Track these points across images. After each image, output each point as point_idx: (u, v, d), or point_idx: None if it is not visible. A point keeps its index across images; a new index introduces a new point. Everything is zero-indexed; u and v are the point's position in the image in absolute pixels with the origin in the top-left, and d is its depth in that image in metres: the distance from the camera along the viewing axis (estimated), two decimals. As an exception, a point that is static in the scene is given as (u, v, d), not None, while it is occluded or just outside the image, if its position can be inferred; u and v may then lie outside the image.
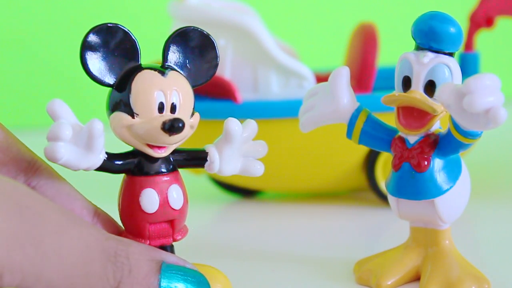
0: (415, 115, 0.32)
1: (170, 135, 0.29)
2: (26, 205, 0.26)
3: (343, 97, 0.34)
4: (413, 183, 0.33)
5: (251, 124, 0.33)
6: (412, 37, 0.32)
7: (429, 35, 0.31)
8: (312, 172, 0.49)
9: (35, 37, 0.86)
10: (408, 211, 0.33)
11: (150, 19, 0.82)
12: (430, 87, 0.32)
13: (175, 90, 0.30)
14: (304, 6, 0.89)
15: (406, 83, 0.32)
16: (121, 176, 0.32)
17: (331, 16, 0.88)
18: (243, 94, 0.47)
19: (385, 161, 0.47)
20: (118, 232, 0.32)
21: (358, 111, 0.34)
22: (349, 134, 0.34)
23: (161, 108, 0.30)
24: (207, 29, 0.51)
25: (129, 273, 0.28)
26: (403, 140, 0.33)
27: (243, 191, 0.53)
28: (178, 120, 0.29)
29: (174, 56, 0.32)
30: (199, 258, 0.40)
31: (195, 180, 0.34)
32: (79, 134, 0.29)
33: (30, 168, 0.31)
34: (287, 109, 0.46)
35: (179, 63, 0.32)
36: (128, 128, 0.30)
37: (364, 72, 0.48)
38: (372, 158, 0.48)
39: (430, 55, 0.31)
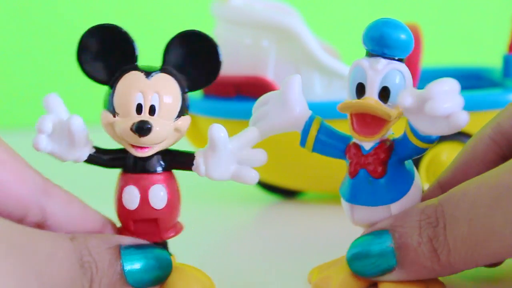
0: (368, 122, 0.32)
1: (139, 136, 0.30)
2: (19, 242, 0.26)
3: (296, 106, 0.34)
4: (369, 189, 0.32)
5: (250, 131, 0.33)
6: (363, 43, 0.32)
7: (382, 42, 0.31)
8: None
9: (35, 36, 0.86)
10: (363, 218, 0.33)
11: (194, 18, 0.82)
12: (384, 93, 0.32)
13: (156, 93, 0.31)
14: (345, 6, 0.89)
15: (360, 90, 0.32)
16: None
17: (373, 16, 0.88)
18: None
19: (428, 163, 0.47)
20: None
21: (311, 120, 0.34)
22: (302, 143, 0.34)
23: (139, 109, 0.31)
24: (250, 30, 0.51)
25: (96, 269, 0.28)
26: (358, 147, 0.33)
27: (284, 192, 0.53)
28: (144, 122, 0.30)
29: (173, 58, 0.32)
30: (238, 258, 0.40)
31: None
32: (62, 128, 0.31)
33: (45, 192, 0.31)
34: (330, 111, 0.46)
35: (177, 66, 0.32)
36: (111, 126, 0.31)
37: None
38: (415, 161, 0.47)
39: (383, 61, 0.32)
